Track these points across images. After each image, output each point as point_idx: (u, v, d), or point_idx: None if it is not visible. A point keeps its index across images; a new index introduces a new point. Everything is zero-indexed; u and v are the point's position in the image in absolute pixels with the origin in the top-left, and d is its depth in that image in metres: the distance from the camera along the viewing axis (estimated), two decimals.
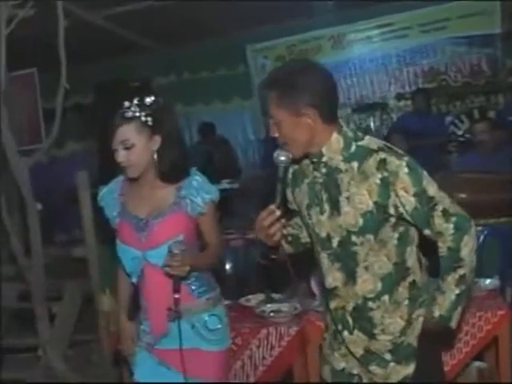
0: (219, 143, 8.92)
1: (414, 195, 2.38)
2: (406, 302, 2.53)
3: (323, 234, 2.56)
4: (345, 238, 2.49)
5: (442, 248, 2.43)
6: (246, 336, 3.73)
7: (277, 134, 2.49)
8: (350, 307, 2.57)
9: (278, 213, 2.47)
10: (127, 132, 2.79)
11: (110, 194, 3.04)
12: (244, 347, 3.72)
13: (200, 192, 2.89)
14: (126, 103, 2.82)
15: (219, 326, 3.00)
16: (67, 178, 5.81)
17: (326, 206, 2.52)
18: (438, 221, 2.40)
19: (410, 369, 2.55)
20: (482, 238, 4.66)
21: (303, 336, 3.71)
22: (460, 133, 7.89)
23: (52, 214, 5.88)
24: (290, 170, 2.69)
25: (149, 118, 2.81)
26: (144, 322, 2.99)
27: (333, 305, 2.62)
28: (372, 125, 8.89)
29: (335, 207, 2.49)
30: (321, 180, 2.53)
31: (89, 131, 8.83)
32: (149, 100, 2.84)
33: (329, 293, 2.62)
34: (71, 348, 5.08)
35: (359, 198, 2.43)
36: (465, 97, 8.62)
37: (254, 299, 4.19)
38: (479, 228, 4.68)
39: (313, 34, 8.84)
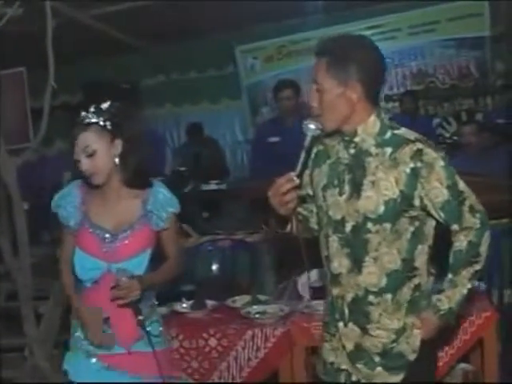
0: (207, 143, 8.91)
1: (448, 188, 2.38)
2: (406, 304, 2.49)
3: (337, 217, 2.50)
4: (360, 224, 2.44)
5: (462, 242, 2.43)
6: (232, 337, 3.73)
7: (315, 104, 2.45)
8: (349, 297, 2.52)
9: (297, 181, 2.43)
10: (88, 138, 2.81)
11: (68, 202, 2.98)
12: (229, 348, 3.72)
13: (164, 206, 2.94)
14: (83, 112, 2.85)
15: (160, 329, 3.03)
16: (55, 176, 5.81)
17: (347, 188, 2.47)
18: (467, 215, 2.41)
19: (397, 378, 2.50)
20: None
21: (289, 338, 3.70)
22: (447, 135, 7.92)
23: (39, 213, 5.87)
24: (314, 150, 2.65)
25: (107, 123, 2.83)
26: (83, 329, 2.96)
27: (335, 292, 2.56)
28: None
29: (356, 190, 2.45)
30: (346, 161, 2.50)
31: None
32: (105, 105, 2.87)
33: (332, 279, 2.57)
34: (56, 348, 5.06)
35: (385, 185, 2.40)
36: (453, 99, 8.66)
37: (240, 300, 4.19)
38: None
39: (303, 34, 8.83)
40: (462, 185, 2.42)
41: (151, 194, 2.92)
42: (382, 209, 2.40)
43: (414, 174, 2.37)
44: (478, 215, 2.41)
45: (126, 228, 2.89)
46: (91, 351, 2.93)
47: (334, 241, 2.53)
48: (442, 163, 2.39)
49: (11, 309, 5.07)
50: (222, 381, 3.71)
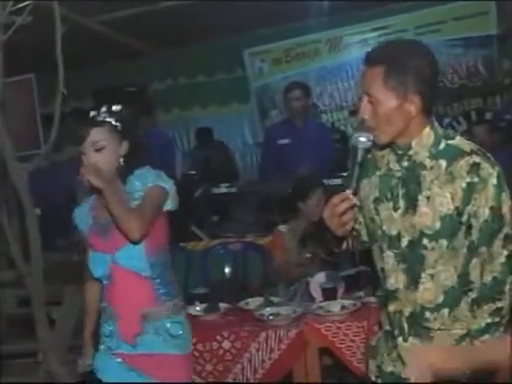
0: (217, 147, 8.92)
1: (491, 209, 2.25)
2: (464, 318, 2.38)
3: (393, 232, 2.39)
4: (416, 240, 2.33)
5: (486, 276, 2.30)
6: (246, 339, 3.74)
7: (367, 115, 2.31)
8: (407, 312, 2.42)
9: (354, 200, 2.32)
10: (99, 134, 2.87)
11: (82, 211, 3.10)
12: (243, 350, 3.73)
13: (141, 180, 2.92)
14: (92, 112, 2.93)
15: (180, 333, 3.01)
16: (66, 182, 5.82)
17: (401, 203, 2.36)
18: (498, 243, 2.28)
19: None
20: None
21: (302, 339, 3.72)
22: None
23: (51, 218, 5.89)
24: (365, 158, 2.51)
25: (118, 124, 2.91)
26: (106, 326, 3.01)
27: (391, 308, 2.46)
28: None
29: (411, 205, 2.33)
30: (399, 174, 2.37)
31: None
32: (116, 108, 2.95)
33: (389, 294, 2.47)
34: (71, 353, 5.08)
35: (440, 200, 2.28)
36: (462, 98, 8.61)
37: (252, 302, 4.20)
38: None
39: (310, 37, 8.83)
40: (506, 207, 2.28)
41: (129, 179, 2.95)
42: (438, 225, 2.29)
43: (470, 189, 2.25)
44: (509, 247, 2.28)
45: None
46: (113, 348, 2.98)
47: (389, 256, 2.43)
48: (495, 181, 2.24)
49: (24, 314, 5.09)
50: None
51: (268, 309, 4.01)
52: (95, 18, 7.40)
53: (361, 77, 2.35)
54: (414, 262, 2.36)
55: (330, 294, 4.16)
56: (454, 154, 2.29)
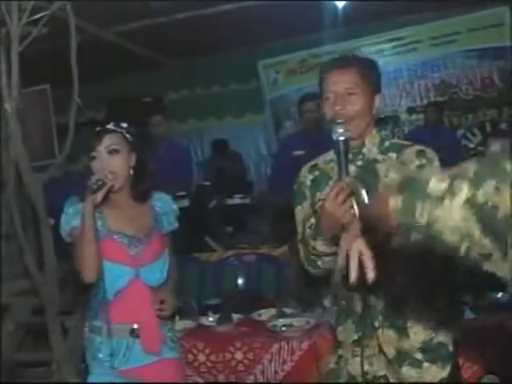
0: (231, 158, 8.93)
1: None
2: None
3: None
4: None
5: None
6: (258, 351, 3.74)
7: (339, 107, 2.54)
8: (381, 304, 2.57)
9: (348, 189, 2.38)
10: (113, 139, 2.95)
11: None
12: (256, 362, 3.73)
13: (173, 209, 3.14)
14: (98, 128, 3.02)
15: (177, 337, 3.17)
16: (80, 192, 5.84)
17: (352, 205, 2.44)
18: None
19: (445, 372, 2.56)
20: None
21: (315, 350, 3.70)
22: (472, 146, 7.87)
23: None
24: (310, 177, 2.74)
25: (128, 135, 2.99)
26: (105, 348, 2.97)
27: (364, 302, 2.59)
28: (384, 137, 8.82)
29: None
30: (354, 174, 2.54)
31: None
32: (124, 124, 3.03)
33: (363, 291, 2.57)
34: (84, 362, 5.09)
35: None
36: (476, 110, 8.59)
37: (265, 314, 4.20)
38: None
39: (324, 48, 8.82)
40: None
41: (155, 199, 3.09)
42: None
43: (420, 169, 2.50)
44: None
45: (146, 231, 3.00)
46: (117, 365, 2.96)
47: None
48: (438, 163, 2.55)
49: (38, 324, 5.10)
50: None
51: (281, 320, 4.01)
52: (111, 29, 7.45)
53: (336, 77, 2.60)
54: None
55: None
56: (399, 148, 2.62)
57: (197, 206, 5.96)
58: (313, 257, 2.64)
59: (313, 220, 2.61)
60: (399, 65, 8.66)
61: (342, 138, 2.44)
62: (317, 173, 2.74)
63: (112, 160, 2.91)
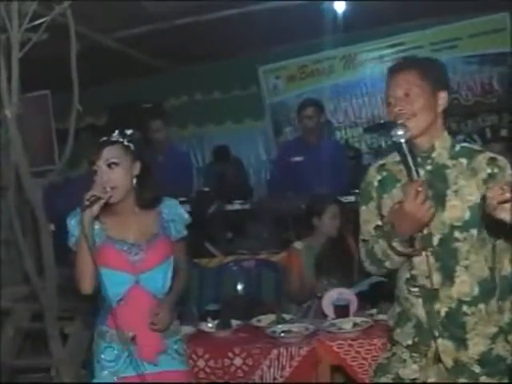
0: (232, 163, 8.92)
1: None
2: (495, 313, 2.55)
3: (424, 232, 2.52)
4: (447, 235, 2.49)
5: (506, 267, 2.54)
6: (257, 356, 3.73)
7: (398, 108, 2.56)
8: (443, 312, 2.55)
9: (426, 188, 2.43)
10: (113, 151, 2.95)
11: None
12: (255, 368, 3.72)
13: (181, 215, 3.11)
14: (105, 137, 3.02)
15: (185, 347, 3.16)
16: (80, 198, 5.83)
17: (431, 203, 2.47)
18: None
19: None
20: None
21: (314, 356, 3.71)
22: None
23: (65, 234, 5.91)
24: (378, 178, 2.73)
25: (131, 144, 2.99)
26: (110, 351, 3.00)
27: (426, 309, 2.58)
28: (383, 144, 8.83)
29: (440, 203, 2.50)
30: (423, 178, 2.52)
31: None
32: (128, 131, 3.04)
33: (424, 296, 2.58)
34: (83, 368, 5.08)
35: (468, 191, 2.49)
36: (477, 115, 8.58)
37: (265, 320, 4.20)
38: None
39: (325, 54, 8.82)
40: None
41: (164, 206, 3.07)
42: (467, 215, 2.48)
43: (492, 178, 2.49)
44: None
45: (149, 238, 3.00)
46: (120, 371, 2.97)
47: (421, 257, 2.54)
48: (510, 171, 2.52)
49: (37, 329, 5.10)
50: None
51: (280, 326, 4.01)
52: (111, 34, 7.45)
53: (395, 81, 2.62)
54: (447, 258, 2.50)
55: (342, 312, 4.15)
56: (470, 153, 2.58)
57: (197, 212, 5.96)
58: (382, 256, 2.62)
59: (379, 222, 2.67)
60: None
61: (402, 140, 2.45)
62: (385, 173, 2.72)
63: (111, 173, 2.92)
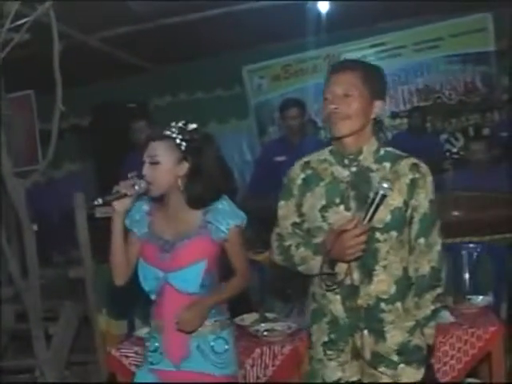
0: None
1: (430, 202, 2.61)
2: (412, 309, 2.65)
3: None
4: (368, 235, 2.51)
5: (424, 267, 2.62)
6: (240, 355, 3.72)
7: (334, 106, 2.57)
8: (362, 308, 2.61)
9: (367, 227, 2.48)
10: (157, 148, 2.86)
11: (136, 212, 2.99)
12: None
13: (225, 217, 2.89)
14: (172, 124, 2.94)
15: (226, 347, 2.95)
16: (64, 198, 5.85)
17: (353, 204, 2.59)
18: (435, 232, 2.63)
19: (420, 373, 2.65)
20: (475, 255, 4.69)
21: (297, 355, 3.70)
22: (455, 150, 7.91)
23: (49, 234, 5.89)
24: (302, 176, 2.74)
25: (183, 143, 2.87)
26: (153, 341, 2.98)
27: (346, 306, 2.62)
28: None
29: (363, 204, 2.54)
30: (348, 179, 2.62)
31: (86, 152, 8.88)
32: (191, 126, 2.95)
33: (344, 293, 2.62)
34: (68, 369, 5.08)
35: (390, 195, 2.52)
36: (460, 114, 8.64)
37: (248, 318, 4.19)
38: (472, 245, 4.73)
39: (308, 53, 8.84)
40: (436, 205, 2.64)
41: (213, 205, 2.90)
42: (388, 218, 2.54)
43: (413, 184, 2.59)
44: (440, 239, 2.64)
45: (183, 237, 2.88)
46: (154, 362, 2.96)
47: None
48: (431, 178, 2.63)
49: (21, 330, 5.09)
50: None
51: (263, 325, 4.00)
52: (95, 34, 7.43)
53: (337, 79, 2.63)
54: (367, 257, 2.55)
55: None
56: (394, 157, 2.66)
57: None
58: (299, 261, 2.70)
59: (296, 219, 2.76)
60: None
61: (382, 192, 2.46)
62: (309, 172, 2.73)
63: (152, 170, 2.84)
